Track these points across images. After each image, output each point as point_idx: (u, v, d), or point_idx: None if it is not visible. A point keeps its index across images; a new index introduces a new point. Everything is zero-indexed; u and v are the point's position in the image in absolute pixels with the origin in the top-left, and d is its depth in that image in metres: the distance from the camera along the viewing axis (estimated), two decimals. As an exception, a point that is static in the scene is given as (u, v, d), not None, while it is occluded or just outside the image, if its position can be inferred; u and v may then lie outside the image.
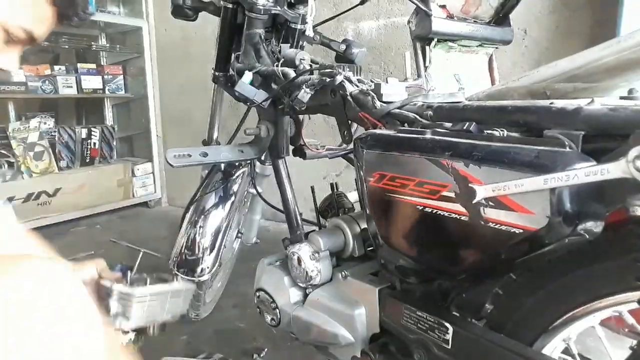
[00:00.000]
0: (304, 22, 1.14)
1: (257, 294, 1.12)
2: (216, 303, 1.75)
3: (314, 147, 1.19)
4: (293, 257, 1.00)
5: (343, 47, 1.27)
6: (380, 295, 0.88)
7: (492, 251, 0.64)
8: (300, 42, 1.19)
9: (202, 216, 1.30)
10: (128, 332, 0.84)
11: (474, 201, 0.60)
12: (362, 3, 1.29)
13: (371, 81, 0.92)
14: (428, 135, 0.71)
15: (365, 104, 0.87)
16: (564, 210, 0.53)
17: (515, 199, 0.57)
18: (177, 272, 1.28)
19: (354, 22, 2.32)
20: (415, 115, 0.79)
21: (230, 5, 1.16)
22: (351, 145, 0.87)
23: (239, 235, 1.51)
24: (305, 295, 1.04)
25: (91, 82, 3.21)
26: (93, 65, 3.27)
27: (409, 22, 1.08)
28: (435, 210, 0.68)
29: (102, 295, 0.82)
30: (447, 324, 0.74)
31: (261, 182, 1.37)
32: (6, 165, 2.87)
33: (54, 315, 0.47)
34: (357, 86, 0.90)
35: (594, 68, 0.72)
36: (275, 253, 1.16)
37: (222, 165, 1.32)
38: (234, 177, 1.34)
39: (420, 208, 0.70)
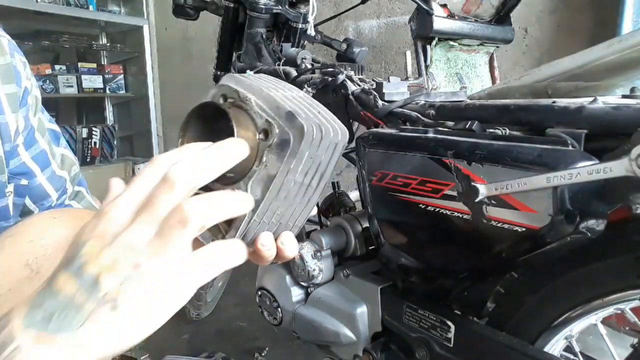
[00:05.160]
0: (305, 21, 1.14)
1: (259, 292, 1.12)
2: (217, 302, 1.75)
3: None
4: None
5: (344, 46, 1.27)
6: (382, 294, 0.88)
7: (494, 249, 0.64)
8: (302, 41, 1.19)
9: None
10: None
11: (477, 200, 0.61)
12: (363, 2, 1.29)
13: (373, 80, 0.92)
14: (430, 134, 0.71)
15: (367, 103, 0.87)
16: (567, 209, 0.53)
17: (518, 198, 0.57)
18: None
19: (355, 21, 2.32)
20: (418, 114, 0.79)
21: (231, 5, 1.16)
22: (353, 145, 0.87)
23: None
24: (307, 294, 1.04)
25: (92, 82, 3.21)
26: (94, 65, 3.28)
27: (410, 21, 1.08)
28: (437, 209, 0.68)
29: None
30: (450, 322, 0.74)
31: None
32: (7, 165, 2.86)
33: None
34: (359, 85, 0.90)
35: (595, 67, 0.72)
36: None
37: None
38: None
39: (423, 207, 0.70)
